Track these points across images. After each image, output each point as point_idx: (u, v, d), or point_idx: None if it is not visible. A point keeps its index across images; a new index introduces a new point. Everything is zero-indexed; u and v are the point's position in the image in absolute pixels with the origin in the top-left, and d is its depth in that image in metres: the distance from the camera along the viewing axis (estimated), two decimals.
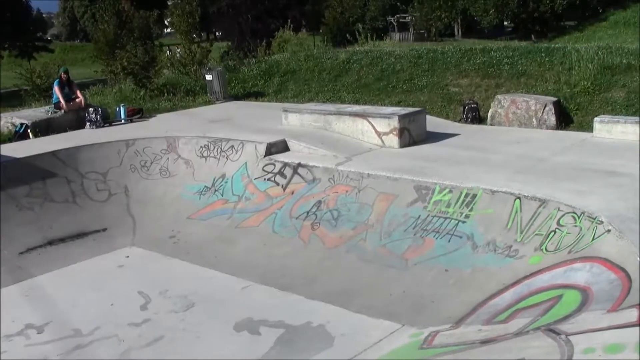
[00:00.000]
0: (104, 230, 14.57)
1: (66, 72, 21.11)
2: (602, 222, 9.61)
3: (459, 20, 59.63)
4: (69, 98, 20.47)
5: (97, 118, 19.64)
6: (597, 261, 9.05)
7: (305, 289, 10.97)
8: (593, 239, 9.51)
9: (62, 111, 20.18)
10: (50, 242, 13.96)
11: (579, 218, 10.08)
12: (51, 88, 22.02)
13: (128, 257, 13.22)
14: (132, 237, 14.23)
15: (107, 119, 20.30)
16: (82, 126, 19.70)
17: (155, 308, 10.71)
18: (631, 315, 7.09)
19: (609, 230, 9.40)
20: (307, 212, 13.41)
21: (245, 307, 10.51)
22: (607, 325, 7.05)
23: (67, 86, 20.72)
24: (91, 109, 19.86)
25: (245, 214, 14.25)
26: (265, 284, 11.33)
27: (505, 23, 61.06)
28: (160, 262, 12.87)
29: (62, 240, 14.10)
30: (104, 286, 11.77)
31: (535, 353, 7.01)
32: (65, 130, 19.36)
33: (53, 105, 20.56)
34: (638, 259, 8.51)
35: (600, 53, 20.22)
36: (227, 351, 9.13)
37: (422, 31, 60.48)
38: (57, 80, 20.86)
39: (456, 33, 61.21)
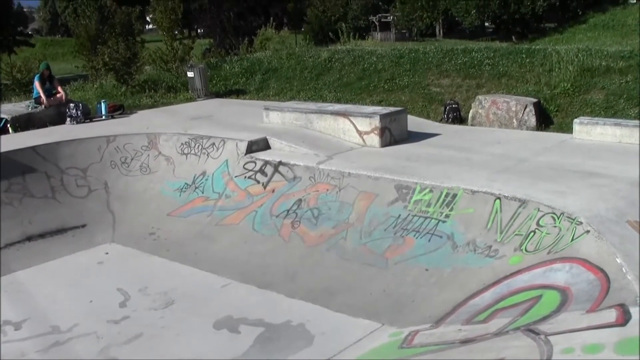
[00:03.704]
0: (84, 226, 14.51)
1: (47, 67, 21.04)
2: (581, 223, 9.67)
3: (440, 21, 59.79)
4: (50, 93, 20.39)
5: (77, 114, 19.53)
6: (577, 262, 9.10)
7: (285, 287, 10.97)
8: (572, 240, 9.55)
9: (43, 106, 20.09)
10: (30, 238, 13.89)
11: (558, 218, 10.13)
12: (32, 83, 21.89)
13: (107, 253, 13.15)
14: (111, 234, 14.18)
15: (88, 115, 20.20)
16: (63, 121, 19.58)
17: (134, 305, 10.68)
18: (610, 315, 7.15)
19: (588, 231, 9.46)
20: (288, 211, 13.39)
21: (225, 305, 10.49)
22: (586, 326, 7.10)
23: (48, 81, 20.64)
24: (72, 105, 19.75)
25: (225, 212, 14.21)
26: (245, 282, 11.32)
27: (487, 24, 61.29)
28: (139, 259, 12.82)
29: (42, 236, 14.03)
30: (83, 283, 11.71)
31: (515, 353, 7.05)
32: (45, 126, 19.27)
33: (33, 100, 20.46)
34: (617, 259, 8.59)
35: (580, 55, 20.35)
36: (206, 349, 9.11)
37: (404, 31, 60.67)
38: (38, 75, 20.79)
39: (437, 33, 61.45)
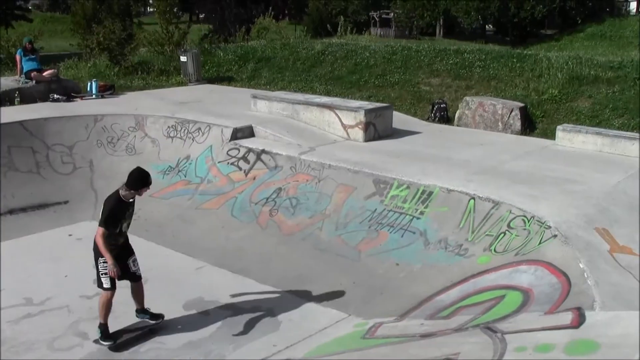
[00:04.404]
0: (66, 202, 14.62)
1: (30, 41, 21.24)
2: (549, 227, 9.87)
3: (440, 20, 59.71)
4: (34, 68, 20.46)
5: (58, 98, 19.59)
6: (542, 264, 9.30)
7: (258, 273, 11.14)
8: (540, 243, 9.76)
9: (34, 81, 20.15)
10: (11, 211, 13.99)
11: (528, 222, 10.33)
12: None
13: (71, 235, 13.16)
14: (93, 212, 14.22)
15: (78, 94, 20.30)
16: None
17: None
18: (566, 318, 7.34)
19: (555, 235, 9.67)
20: (267, 199, 13.56)
21: (198, 287, 10.67)
22: (542, 327, 7.30)
23: (31, 54, 20.70)
24: (55, 95, 19.74)
25: (206, 196, 14.38)
26: (219, 265, 11.50)
27: (490, 26, 61.27)
28: None
29: (23, 210, 14.15)
30: (60, 258, 11.83)
31: (471, 349, 7.24)
32: (35, 101, 19.33)
33: (24, 75, 20.50)
34: (580, 264, 8.77)
35: (570, 63, 20.56)
36: (174, 328, 9.29)
37: (402, 28, 60.61)
38: (20, 49, 20.99)
39: (438, 33, 61.47)
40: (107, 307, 8.94)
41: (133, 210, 9.18)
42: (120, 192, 8.79)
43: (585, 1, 52.75)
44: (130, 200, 8.91)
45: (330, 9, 63.07)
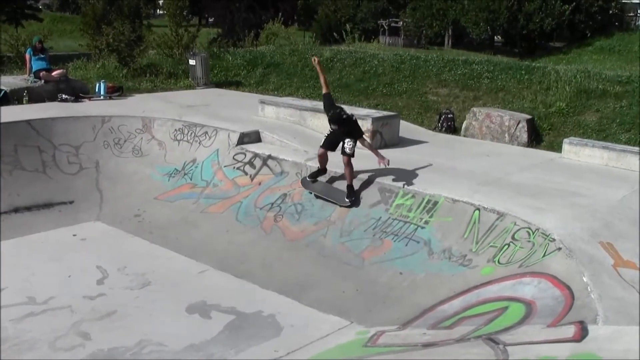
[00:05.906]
0: (71, 202, 14.63)
1: (40, 41, 21.31)
2: (554, 240, 9.87)
3: (449, 31, 59.79)
4: (43, 67, 20.51)
5: (66, 98, 19.61)
6: (545, 277, 9.29)
7: (261, 278, 11.12)
8: (544, 256, 9.75)
9: (42, 81, 20.20)
10: (16, 210, 14.00)
11: (533, 234, 10.31)
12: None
13: (75, 235, 13.12)
14: (97, 212, 14.30)
15: (86, 94, 20.34)
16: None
17: (111, 283, 10.82)
18: (568, 331, 7.33)
19: (559, 248, 9.65)
20: (272, 204, 13.55)
21: (200, 290, 10.64)
22: (544, 339, 7.29)
23: (41, 53, 20.75)
24: (63, 95, 19.77)
25: (211, 200, 14.38)
26: (222, 269, 11.47)
27: (498, 37, 61.30)
28: (122, 239, 12.96)
29: (28, 208, 14.14)
30: (64, 258, 11.83)
31: None
32: (43, 101, 19.37)
33: (33, 74, 20.55)
34: (583, 278, 8.77)
35: (578, 76, 20.56)
36: (176, 331, 9.25)
37: (411, 37, 60.75)
38: (30, 48, 21.04)
39: (446, 42, 61.55)
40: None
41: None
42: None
43: (595, 15, 52.74)
44: None
45: (339, 16, 63.20)
